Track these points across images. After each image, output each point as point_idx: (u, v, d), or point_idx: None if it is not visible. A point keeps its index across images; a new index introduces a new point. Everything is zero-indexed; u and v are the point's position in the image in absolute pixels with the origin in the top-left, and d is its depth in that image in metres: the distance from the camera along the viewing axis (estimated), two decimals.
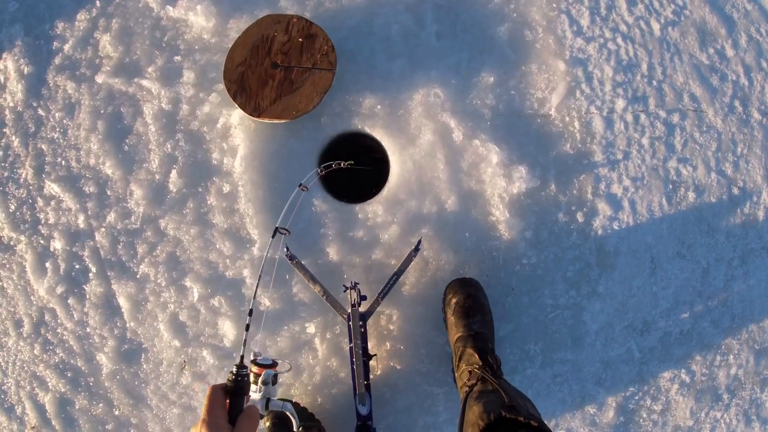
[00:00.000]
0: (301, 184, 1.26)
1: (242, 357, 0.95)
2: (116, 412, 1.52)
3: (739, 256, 1.53)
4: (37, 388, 1.54)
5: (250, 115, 1.50)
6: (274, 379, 1.08)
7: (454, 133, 1.51)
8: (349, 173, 1.62)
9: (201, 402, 1.49)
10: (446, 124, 1.52)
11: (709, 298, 1.52)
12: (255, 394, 1.06)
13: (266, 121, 1.51)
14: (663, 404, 1.49)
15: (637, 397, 1.49)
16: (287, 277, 1.50)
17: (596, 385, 1.48)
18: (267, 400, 1.06)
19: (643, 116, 1.55)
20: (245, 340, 1.00)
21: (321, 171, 1.34)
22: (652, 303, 1.50)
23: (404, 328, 1.47)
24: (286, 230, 1.17)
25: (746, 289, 1.53)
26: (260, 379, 1.06)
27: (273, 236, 1.16)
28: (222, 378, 1.48)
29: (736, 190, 1.55)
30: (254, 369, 1.11)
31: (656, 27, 1.59)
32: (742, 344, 1.52)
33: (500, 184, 1.48)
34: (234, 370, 0.89)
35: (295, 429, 1.20)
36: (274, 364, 1.13)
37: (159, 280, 1.52)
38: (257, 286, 1.08)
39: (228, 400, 0.85)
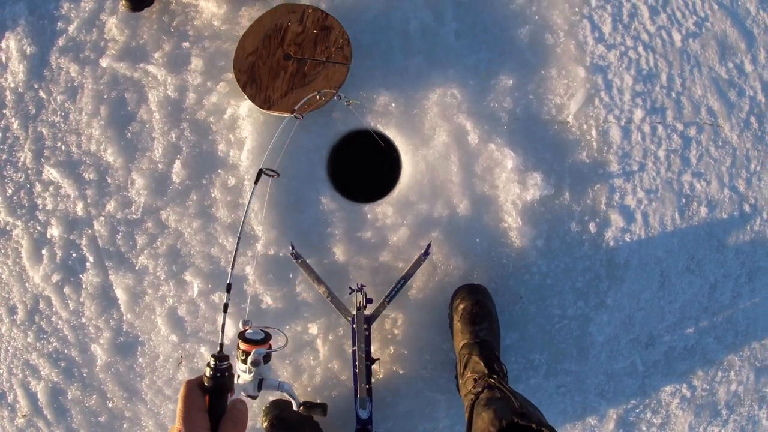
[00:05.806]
0: (294, 111, 1.06)
1: (221, 345, 0.76)
2: (110, 405, 1.49)
3: (746, 273, 1.53)
4: (29, 376, 1.50)
5: (260, 107, 1.45)
6: (267, 358, 0.89)
7: (470, 136, 1.48)
8: (361, 169, 1.58)
9: None
10: (462, 126, 1.48)
11: (715, 314, 1.51)
12: (245, 374, 0.88)
13: (276, 114, 1.46)
14: (663, 418, 1.49)
15: (637, 410, 1.49)
16: (291, 276, 1.47)
17: (598, 397, 1.48)
18: (259, 381, 0.89)
19: (660, 128, 1.52)
20: (223, 324, 0.82)
21: (319, 97, 1.11)
22: (659, 317, 1.49)
23: (409, 332, 1.44)
24: (275, 172, 0.97)
25: (751, 306, 1.53)
26: (249, 360, 0.87)
27: (256, 181, 0.93)
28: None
29: (747, 207, 1.53)
30: (242, 346, 0.91)
31: (677, 38, 1.56)
32: (743, 361, 1.52)
33: (514, 190, 1.45)
34: (211, 363, 0.69)
35: (294, 408, 1.09)
36: (266, 339, 0.92)
37: (158, 273, 1.48)
38: (236, 251, 0.89)
39: (207, 398, 0.69)
